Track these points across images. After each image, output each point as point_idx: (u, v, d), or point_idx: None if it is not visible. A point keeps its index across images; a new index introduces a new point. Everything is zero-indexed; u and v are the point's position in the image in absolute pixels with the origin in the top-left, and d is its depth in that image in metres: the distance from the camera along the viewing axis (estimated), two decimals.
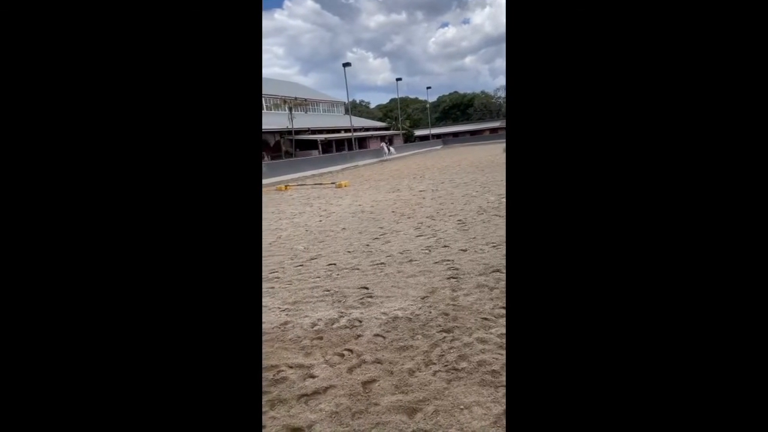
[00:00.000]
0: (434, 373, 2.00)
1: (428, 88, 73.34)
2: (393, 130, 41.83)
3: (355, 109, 50.77)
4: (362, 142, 33.30)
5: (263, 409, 1.84)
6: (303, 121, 28.95)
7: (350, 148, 29.50)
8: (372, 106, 65.18)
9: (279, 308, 3.09)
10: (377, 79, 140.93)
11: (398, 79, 40.70)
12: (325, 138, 28.44)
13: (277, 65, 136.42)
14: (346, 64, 28.07)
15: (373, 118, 48.95)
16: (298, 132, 27.15)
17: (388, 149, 26.64)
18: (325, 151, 27.63)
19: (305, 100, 30.96)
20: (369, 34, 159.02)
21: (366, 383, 1.98)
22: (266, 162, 18.86)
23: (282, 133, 27.09)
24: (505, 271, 3.21)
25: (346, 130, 31.59)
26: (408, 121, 45.20)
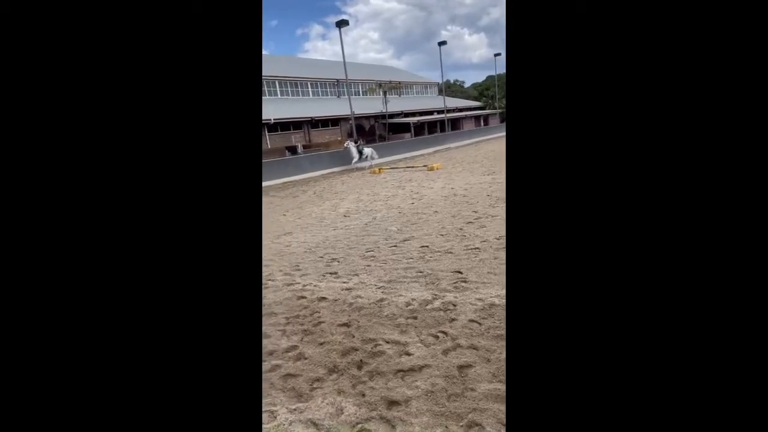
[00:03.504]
0: None
1: None
2: (489, 109, 39.68)
3: (449, 89, 49.32)
4: (455, 124, 32.38)
5: (364, 383, 1.96)
6: (396, 104, 29.26)
7: (443, 130, 28.95)
8: (467, 85, 62.53)
9: (375, 285, 3.23)
10: (473, 56, 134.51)
11: (496, 55, 37.89)
12: (418, 120, 28.35)
13: (372, 50, 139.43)
14: (442, 43, 27.32)
15: (467, 98, 47.06)
16: (392, 116, 27.56)
17: (360, 151, 14.69)
18: (417, 134, 27.60)
19: (399, 83, 31.11)
20: (464, 9, 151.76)
21: (462, 367, 1.96)
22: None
23: (376, 117, 27.81)
24: None
25: (439, 112, 31.01)
26: (505, 100, 42.28)
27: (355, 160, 14.60)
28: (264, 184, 12.16)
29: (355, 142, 15.22)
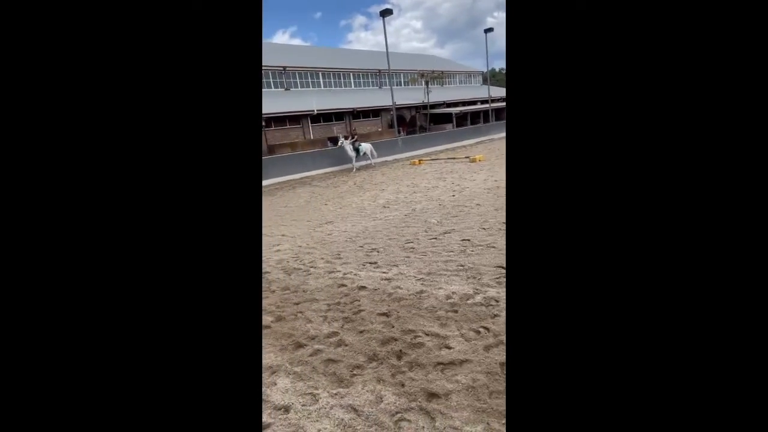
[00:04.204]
0: None
1: None
2: None
3: (494, 78, 47.59)
4: (500, 114, 31.23)
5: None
6: (438, 94, 28.72)
7: (486, 121, 28.06)
8: None
9: (415, 277, 3.21)
10: None
11: None
12: (460, 111, 27.67)
13: (414, 39, 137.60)
14: (488, 30, 26.30)
15: None
16: (433, 106, 27.11)
17: (356, 149, 12.90)
18: (459, 125, 26.99)
19: (441, 72, 30.44)
20: None
21: (504, 365, 1.91)
22: (402, 137, 19.52)
23: (417, 107, 27.49)
24: None
25: (483, 102, 30.06)
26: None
27: (351, 157, 12.80)
28: (306, 174, 12.49)
29: (352, 139, 13.17)
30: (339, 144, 12.99)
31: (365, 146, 13.17)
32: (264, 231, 5.77)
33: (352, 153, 12.74)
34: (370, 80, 29.86)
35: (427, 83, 25.74)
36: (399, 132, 21.97)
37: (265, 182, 11.83)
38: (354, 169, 12.66)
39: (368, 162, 13.28)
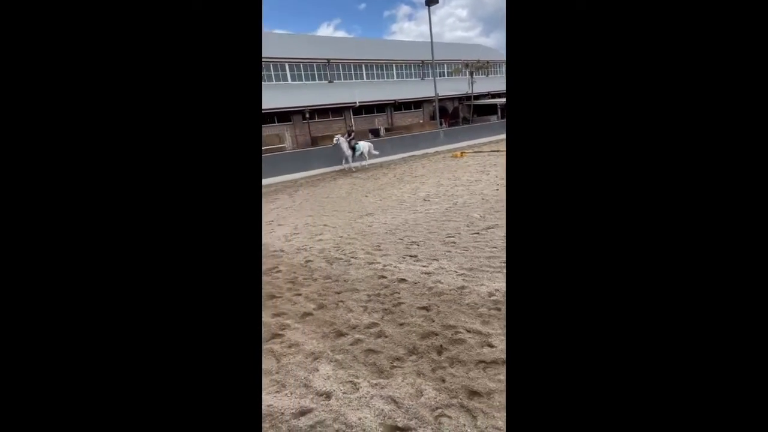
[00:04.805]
0: None
1: None
2: None
3: None
4: None
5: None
6: (483, 85, 27.82)
7: None
8: None
9: (456, 272, 3.16)
10: None
11: None
12: (505, 102, 26.68)
13: (459, 28, 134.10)
14: None
15: None
16: (477, 97, 26.34)
17: (352, 147, 12.16)
18: (503, 116, 26.05)
19: (486, 62, 29.38)
20: None
21: None
22: (444, 129, 19.18)
23: (461, 98, 26.85)
24: None
25: None
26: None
27: (347, 157, 12.08)
28: (347, 165, 12.65)
29: (348, 137, 12.42)
30: (335, 142, 12.15)
31: (363, 145, 12.42)
32: (307, 220, 5.93)
33: (348, 152, 12.06)
34: (412, 71, 29.53)
35: (471, 73, 25.03)
36: (441, 124, 21.59)
37: (308, 173, 12.15)
38: (351, 168, 12.05)
39: (367, 162, 12.56)
